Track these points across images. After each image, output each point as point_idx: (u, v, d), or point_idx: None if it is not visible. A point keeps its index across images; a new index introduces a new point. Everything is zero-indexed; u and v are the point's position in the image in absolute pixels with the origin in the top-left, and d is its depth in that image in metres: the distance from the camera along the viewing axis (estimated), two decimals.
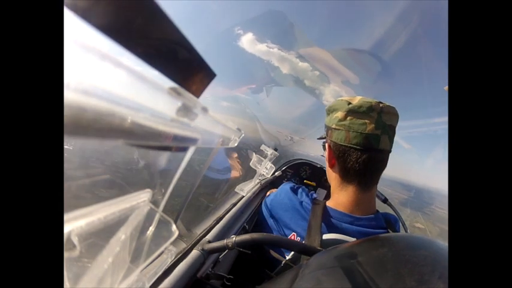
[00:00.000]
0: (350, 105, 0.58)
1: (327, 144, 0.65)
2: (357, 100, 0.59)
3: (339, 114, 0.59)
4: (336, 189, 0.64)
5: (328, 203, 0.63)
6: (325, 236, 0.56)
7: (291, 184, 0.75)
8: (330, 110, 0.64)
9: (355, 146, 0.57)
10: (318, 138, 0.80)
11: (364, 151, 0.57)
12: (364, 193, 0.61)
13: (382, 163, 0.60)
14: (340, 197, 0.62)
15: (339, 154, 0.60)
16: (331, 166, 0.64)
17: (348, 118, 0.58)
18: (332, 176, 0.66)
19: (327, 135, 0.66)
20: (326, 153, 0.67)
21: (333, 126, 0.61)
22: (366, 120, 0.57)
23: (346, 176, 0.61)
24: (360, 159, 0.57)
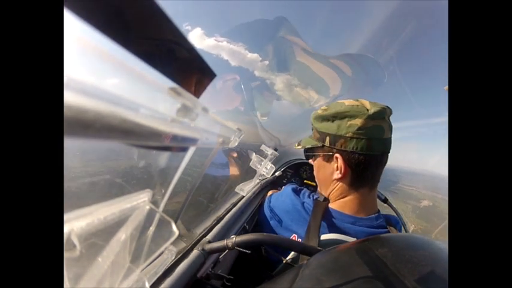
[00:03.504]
0: (370, 112, 0.54)
1: (338, 156, 0.58)
2: (368, 104, 0.56)
3: (358, 122, 0.54)
4: (342, 194, 0.61)
5: (332, 206, 0.62)
6: (324, 236, 0.55)
7: (294, 185, 0.74)
8: (337, 117, 0.57)
9: (375, 153, 0.56)
10: (305, 149, 0.69)
11: (382, 155, 0.58)
12: (370, 194, 0.61)
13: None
14: (347, 201, 0.61)
15: (357, 163, 0.56)
16: (343, 177, 0.59)
17: (370, 125, 0.55)
18: (337, 186, 0.61)
19: (331, 144, 0.59)
20: (332, 166, 0.60)
21: (349, 135, 0.55)
22: (383, 125, 0.56)
23: (360, 181, 0.59)
24: (379, 164, 0.58)
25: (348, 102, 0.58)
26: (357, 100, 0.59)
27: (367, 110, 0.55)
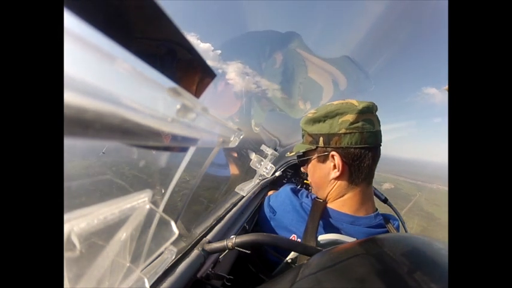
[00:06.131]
0: (359, 107, 0.57)
1: (334, 153, 0.59)
2: (355, 102, 0.60)
3: (350, 117, 0.57)
4: (341, 193, 0.62)
5: (331, 205, 0.62)
6: (323, 237, 0.55)
7: (292, 185, 0.75)
8: (330, 116, 0.60)
9: (370, 145, 0.58)
10: (299, 155, 0.70)
11: (376, 148, 0.60)
12: (367, 190, 0.62)
13: None
14: (346, 199, 0.61)
15: (353, 158, 0.58)
16: (341, 175, 0.60)
17: (361, 119, 0.58)
18: (335, 185, 0.62)
19: (326, 144, 0.61)
20: (328, 165, 0.61)
21: (342, 131, 0.58)
22: (372, 119, 0.59)
23: (358, 177, 0.60)
24: (375, 157, 0.60)
25: (336, 102, 0.62)
26: (344, 100, 0.62)
27: (356, 106, 0.58)
